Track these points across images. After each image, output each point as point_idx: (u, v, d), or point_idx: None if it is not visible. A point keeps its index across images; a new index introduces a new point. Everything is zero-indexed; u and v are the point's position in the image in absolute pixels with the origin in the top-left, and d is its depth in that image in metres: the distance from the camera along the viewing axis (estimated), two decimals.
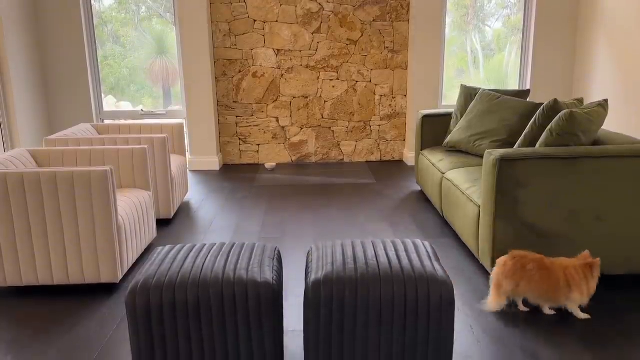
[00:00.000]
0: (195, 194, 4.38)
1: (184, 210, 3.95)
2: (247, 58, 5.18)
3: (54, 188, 2.47)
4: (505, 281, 2.30)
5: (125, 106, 5.50)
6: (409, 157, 5.24)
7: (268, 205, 4.02)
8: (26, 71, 4.68)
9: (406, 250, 1.90)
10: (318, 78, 5.24)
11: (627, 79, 4.25)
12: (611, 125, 4.46)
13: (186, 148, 4.69)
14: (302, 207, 3.97)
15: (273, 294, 1.69)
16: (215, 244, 1.97)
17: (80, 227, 2.52)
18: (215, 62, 5.17)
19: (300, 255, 3.08)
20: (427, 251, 1.92)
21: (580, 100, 2.98)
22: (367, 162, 5.42)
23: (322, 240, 3.31)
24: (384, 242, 1.99)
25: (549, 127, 2.66)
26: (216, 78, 5.21)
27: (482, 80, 5.57)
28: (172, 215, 3.64)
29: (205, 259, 1.82)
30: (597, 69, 4.71)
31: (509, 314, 2.35)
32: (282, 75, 5.23)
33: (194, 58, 4.97)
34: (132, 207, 2.84)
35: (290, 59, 5.19)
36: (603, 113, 2.69)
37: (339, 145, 5.41)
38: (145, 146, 3.13)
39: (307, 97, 5.29)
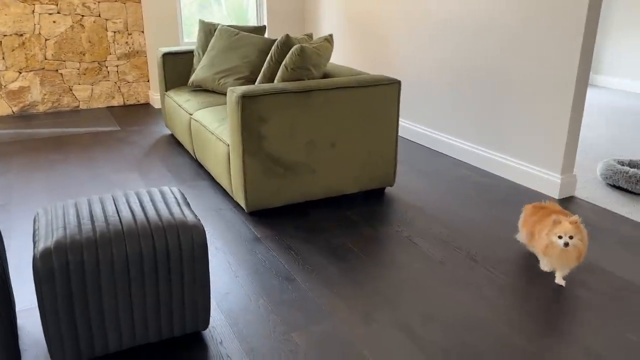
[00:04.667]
0: None
1: None
2: None
3: None
4: (521, 230, 2.37)
5: None
6: (155, 99, 4.94)
7: None
8: None
9: (152, 200, 1.78)
10: (33, 12, 4.43)
11: (347, 15, 4.70)
12: (337, 59, 4.92)
13: None
14: (31, 166, 3.41)
15: None
16: None
17: None
18: None
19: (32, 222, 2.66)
20: (175, 197, 1.83)
21: (310, 36, 3.16)
22: (108, 107, 4.93)
23: (61, 201, 2.92)
24: (126, 194, 1.82)
25: (283, 62, 2.76)
26: None
27: (225, 17, 5.49)
28: None
29: None
30: (324, 5, 5.08)
31: (263, 247, 2.46)
32: None
33: None
34: None
35: None
36: (329, 47, 2.91)
37: (71, 90, 4.76)
38: None
39: (22, 35, 4.45)
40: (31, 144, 3.85)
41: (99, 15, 4.67)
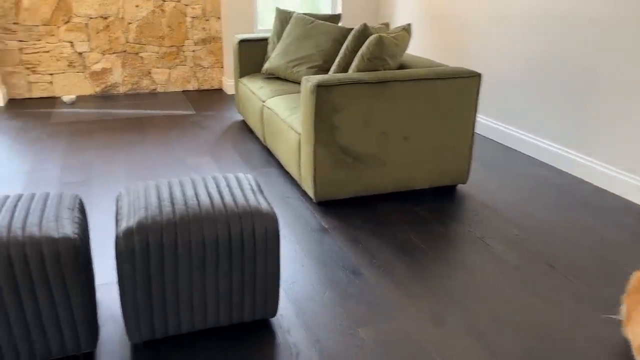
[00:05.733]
0: None
1: None
2: None
3: None
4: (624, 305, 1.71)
5: None
6: (228, 85, 5.04)
7: (69, 145, 3.54)
8: None
9: (229, 186, 1.80)
10: None
11: (425, 5, 4.56)
12: (413, 49, 4.80)
13: None
14: (111, 145, 3.57)
15: (75, 250, 1.46)
16: None
17: None
18: None
19: (112, 199, 2.78)
20: (250, 185, 1.84)
21: (387, 25, 3.09)
22: (183, 91, 5.08)
23: (138, 180, 3.04)
24: (204, 178, 1.86)
25: (360, 52, 2.72)
26: None
27: (297, 4, 5.49)
28: None
29: None
30: None
31: (329, 238, 2.44)
32: None
33: None
34: None
35: None
36: (407, 37, 2.83)
37: (149, 73, 4.94)
38: None
39: (106, 18, 4.65)
40: (111, 124, 4.03)
41: (179, 1, 4.81)
